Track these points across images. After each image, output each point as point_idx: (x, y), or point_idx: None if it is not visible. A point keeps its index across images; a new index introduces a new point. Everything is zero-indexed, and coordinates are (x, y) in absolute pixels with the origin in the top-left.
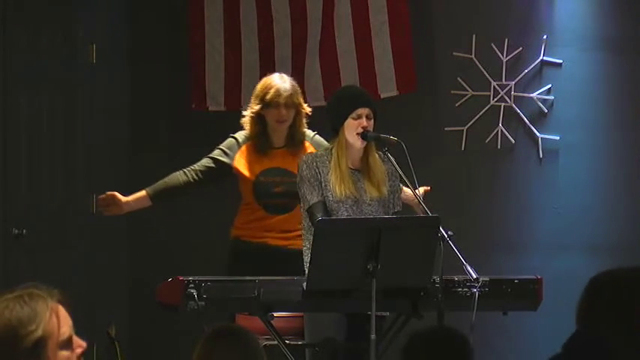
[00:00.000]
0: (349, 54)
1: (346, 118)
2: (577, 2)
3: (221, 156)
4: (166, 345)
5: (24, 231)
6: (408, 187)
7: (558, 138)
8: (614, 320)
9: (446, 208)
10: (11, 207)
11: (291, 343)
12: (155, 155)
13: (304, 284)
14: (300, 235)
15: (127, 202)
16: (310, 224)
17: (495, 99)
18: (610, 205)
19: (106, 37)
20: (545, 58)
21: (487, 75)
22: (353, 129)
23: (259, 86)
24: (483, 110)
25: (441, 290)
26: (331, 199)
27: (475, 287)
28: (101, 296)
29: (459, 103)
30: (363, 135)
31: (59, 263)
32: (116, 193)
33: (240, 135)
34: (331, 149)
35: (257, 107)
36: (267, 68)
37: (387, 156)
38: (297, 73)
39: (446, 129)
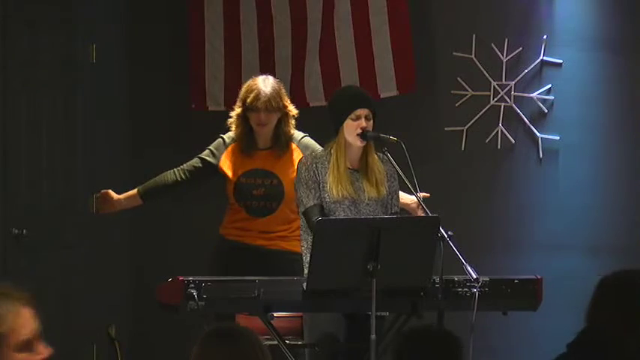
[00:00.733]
0: (349, 54)
1: (345, 119)
2: (577, 2)
3: (208, 156)
4: (166, 345)
5: (24, 231)
6: (408, 187)
7: (558, 138)
8: (619, 320)
9: (446, 208)
10: (11, 207)
11: (291, 343)
12: (155, 155)
13: (304, 284)
14: (282, 237)
15: (119, 200)
16: (307, 225)
17: (495, 99)
18: (610, 205)
19: (106, 37)
20: (545, 58)
21: (487, 75)
22: (352, 130)
23: (243, 88)
24: (483, 110)
25: (441, 290)
26: (328, 200)
27: (475, 287)
28: (101, 296)
29: (458, 103)
30: (363, 135)
31: (59, 263)
32: (110, 191)
33: (228, 136)
34: (330, 149)
35: (239, 110)
36: (267, 68)
37: (387, 156)
38: (297, 73)
39: (446, 129)
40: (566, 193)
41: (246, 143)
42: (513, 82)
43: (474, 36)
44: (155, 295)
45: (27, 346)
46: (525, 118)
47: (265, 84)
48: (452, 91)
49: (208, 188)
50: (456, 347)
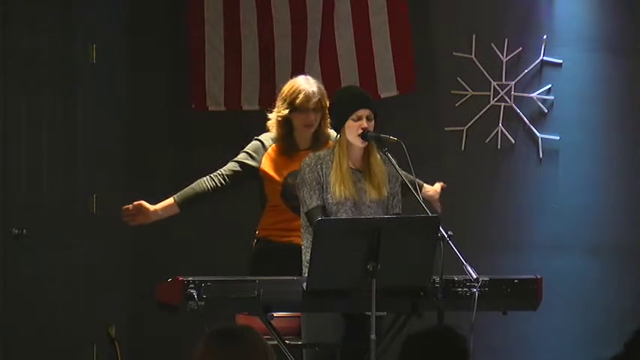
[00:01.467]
0: (349, 54)
1: (346, 120)
2: (577, 2)
3: (247, 159)
4: (166, 345)
5: (24, 231)
6: (407, 188)
7: (558, 138)
8: None
9: (446, 207)
10: (11, 207)
11: (291, 343)
12: (155, 155)
13: (304, 284)
14: None
15: (155, 211)
16: (309, 225)
17: (495, 99)
18: (610, 205)
19: (106, 37)
20: (545, 58)
21: (487, 75)
22: (353, 130)
23: (287, 90)
24: (483, 110)
25: (441, 290)
26: (331, 201)
27: (475, 287)
28: (101, 296)
29: (458, 103)
30: (363, 135)
31: (59, 263)
32: (143, 202)
33: (266, 137)
34: (333, 149)
35: (285, 111)
36: (267, 68)
37: (388, 157)
38: (297, 73)
39: (446, 129)
40: (566, 193)
41: (288, 144)
42: (513, 82)
43: (474, 36)
44: (155, 295)
45: None
46: (525, 118)
47: (310, 84)
48: (452, 91)
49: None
50: (463, 347)
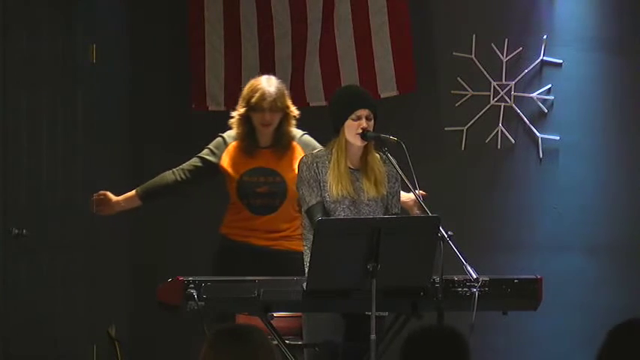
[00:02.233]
0: (349, 54)
1: (346, 119)
2: (577, 2)
3: (208, 155)
4: (166, 345)
5: (24, 231)
6: (408, 188)
7: (558, 138)
8: None
9: (446, 208)
10: (11, 207)
11: (291, 343)
12: (155, 155)
13: (304, 284)
14: (285, 237)
15: (118, 202)
16: (310, 224)
17: (495, 99)
18: (610, 205)
19: (106, 37)
20: (545, 58)
21: (487, 75)
22: (353, 130)
23: (246, 88)
24: (483, 110)
25: (441, 290)
26: (328, 199)
27: (475, 287)
28: (101, 296)
29: (458, 103)
30: (363, 134)
31: (59, 263)
32: (107, 193)
33: (228, 134)
34: (331, 149)
35: (243, 110)
36: (267, 68)
37: (387, 156)
38: (297, 73)
39: (446, 129)
40: (566, 193)
41: (248, 142)
42: (513, 82)
43: (474, 36)
44: (155, 295)
45: None
46: (525, 118)
47: (269, 84)
48: (452, 91)
49: (208, 188)
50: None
